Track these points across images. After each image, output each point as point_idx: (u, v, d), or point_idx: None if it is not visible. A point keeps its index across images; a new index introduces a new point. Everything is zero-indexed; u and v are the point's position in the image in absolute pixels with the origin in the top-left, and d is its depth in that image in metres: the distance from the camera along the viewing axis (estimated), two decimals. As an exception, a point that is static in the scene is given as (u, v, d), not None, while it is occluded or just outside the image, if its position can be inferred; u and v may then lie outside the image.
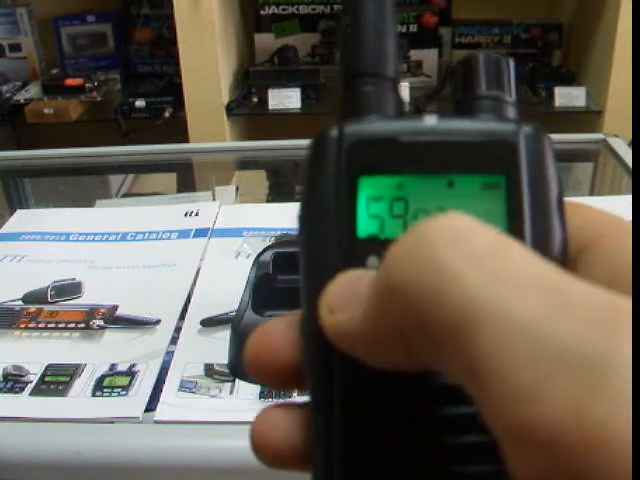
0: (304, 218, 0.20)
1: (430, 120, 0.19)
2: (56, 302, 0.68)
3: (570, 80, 1.58)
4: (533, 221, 0.18)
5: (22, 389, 0.55)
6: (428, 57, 1.68)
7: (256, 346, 0.20)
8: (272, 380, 0.20)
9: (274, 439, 0.20)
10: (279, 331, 0.20)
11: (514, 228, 0.18)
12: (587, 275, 0.18)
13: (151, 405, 0.53)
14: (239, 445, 0.46)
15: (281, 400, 0.21)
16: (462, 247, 0.15)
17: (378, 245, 0.19)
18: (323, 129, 0.20)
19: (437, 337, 0.15)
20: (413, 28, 1.68)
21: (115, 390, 0.55)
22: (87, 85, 1.62)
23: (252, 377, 0.20)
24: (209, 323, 0.63)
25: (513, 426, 0.14)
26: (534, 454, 0.14)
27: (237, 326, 0.58)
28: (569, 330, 0.14)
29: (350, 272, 0.18)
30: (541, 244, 0.18)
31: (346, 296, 0.18)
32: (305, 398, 0.20)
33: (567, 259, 0.19)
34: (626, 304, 0.14)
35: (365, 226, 0.19)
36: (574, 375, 0.14)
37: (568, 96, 1.51)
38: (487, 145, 0.19)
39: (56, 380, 0.56)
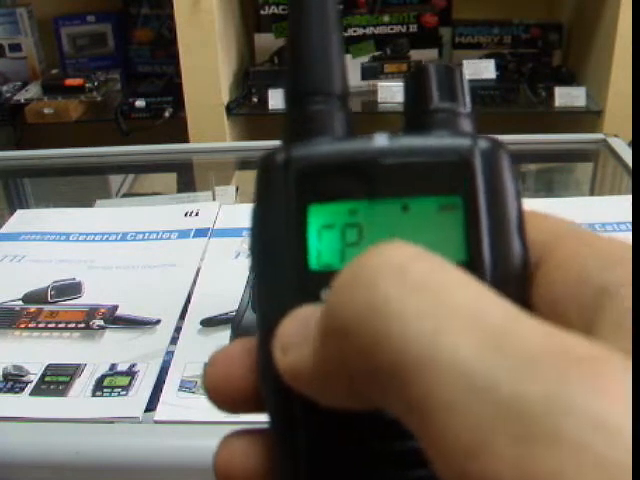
0: (255, 252, 0.19)
1: (380, 140, 0.18)
2: (56, 302, 0.68)
3: (570, 80, 1.58)
4: (492, 241, 0.18)
5: (22, 389, 0.55)
6: (428, 57, 1.68)
7: (212, 373, 0.19)
8: (227, 406, 0.20)
9: (235, 466, 0.19)
10: (235, 357, 0.19)
11: (472, 250, 0.18)
12: (543, 289, 0.18)
13: (151, 405, 0.53)
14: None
15: (242, 427, 0.21)
16: (401, 281, 0.14)
17: (332, 276, 0.18)
18: (269, 151, 0.19)
19: (381, 377, 0.14)
20: (413, 28, 1.68)
21: (115, 390, 0.55)
22: (87, 85, 1.62)
23: (210, 401, 0.20)
24: (209, 323, 0.63)
25: (456, 476, 0.13)
26: None
27: (237, 326, 0.58)
28: (508, 376, 0.13)
29: (303, 308, 0.17)
30: (500, 264, 0.18)
31: (298, 334, 0.17)
32: (264, 424, 0.19)
33: (528, 277, 0.18)
34: (580, 348, 0.13)
35: (317, 257, 0.18)
36: (514, 427, 0.13)
37: (568, 96, 1.51)
38: (441, 165, 0.18)
39: (56, 380, 0.56)
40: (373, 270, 0.15)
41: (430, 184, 0.18)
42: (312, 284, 0.18)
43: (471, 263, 0.18)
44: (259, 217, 0.19)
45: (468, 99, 0.20)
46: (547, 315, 0.17)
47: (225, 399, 0.19)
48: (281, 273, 0.18)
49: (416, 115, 0.20)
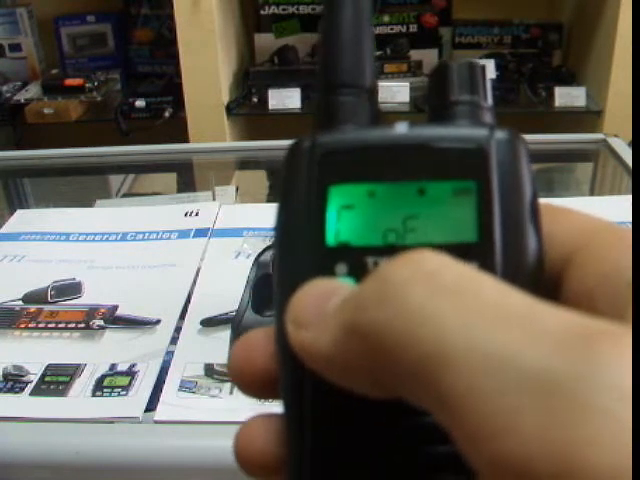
0: (278, 229, 0.20)
1: (401, 128, 0.19)
2: (56, 302, 0.68)
3: (570, 80, 1.58)
4: (504, 228, 0.18)
5: (22, 389, 0.55)
6: (428, 57, 1.68)
7: (236, 357, 0.20)
8: (252, 391, 0.20)
9: (254, 450, 0.20)
10: (258, 343, 0.20)
11: (484, 235, 0.18)
12: (574, 284, 0.18)
13: (151, 405, 0.53)
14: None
15: (263, 411, 0.21)
16: (432, 287, 0.15)
17: (348, 253, 0.19)
18: (297, 139, 0.20)
19: (407, 375, 0.15)
20: (413, 28, 1.68)
21: (115, 390, 0.55)
22: (87, 85, 1.61)
23: (235, 386, 0.20)
24: (209, 323, 0.63)
25: (487, 460, 0.14)
26: None
27: (237, 326, 0.58)
28: (538, 359, 0.14)
29: (316, 282, 0.18)
30: (512, 252, 0.18)
31: (312, 312, 0.17)
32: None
33: (543, 266, 0.19)
34: (598, 326, 0.14)
35: (335, 234, 0.19)
36: (543, 404, 0.13)
37: (568, 96, 1.51)
38: (457, 151, 0.19)
39: (56, 380, 0.56)
40: (404, 276, 0.16)
41: (446, 169, 0.19)
42: (328, 259, 0.19)
43: (482, 245, 0.18)
44: (283, 197, 0.20)
45: (489, 94, 0.21)
46: (578, 308, 0.17)
47: (247, 383, 0.20)
48: (299, 248, 0.19)
49: (438, 108, 0.21)
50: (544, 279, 0.19)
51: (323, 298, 0.17)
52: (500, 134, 0.19)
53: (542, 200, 0.19)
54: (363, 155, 0.19)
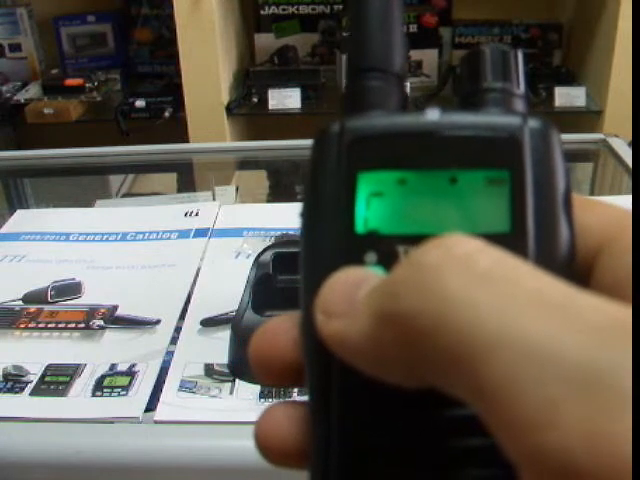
0: (305, 215, 0.20)
1: (432, 114, 0.19)
2: (56, 302, 0.68)
3: (570, 80, 1.58)
4: (537, 218, 0.18)
5: (22, 389, 0.55)
6: (428, 57, 1.68)
7: (258, 342, 0.20)
8: (272, 377, 0.20)
9: (277, 437, 0.19)
10: (282, 328, 0.20)
11: (516, 223, 0.18)
12: (605, 274, 0.18)
13: (151, 405, 0.53)
14: (239, 445, 0.46)
15: (286, 399, 0.20)
16: (467, 273, 0.15)
17: (377, 241, 0.18)
18: (325, 125, 0.20)
19: (443, 363, 0.15)
20: (413, 28, 1.68)
21: (115, 390, 0.55)
22: (87, 85, 1.62)
23: (254, 373, 0.20)
24: (209, 323, 0.63)
25: (526, 452, 0.13)
26: None
27: (237, 326, 0.58)
28: (579, 349, 0.13)
29: (346, 271, 0.18)
30: (545, 243, 0.18)
31: (343, 301, 0.17)
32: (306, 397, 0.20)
33: (574, 258, 0.18)
34: (630, 312, 0.14)
35: (364, 222, 0.19)
36: (586, 396, 0.13)
37: (568, 96, 1.51)
38: (490, 139, 0.18)
39: (56, 380, 0.56)
40: (438, 261, 0.15)
41: (478, 158, 0.18)
42: (357, 247, 0.19)
43: (515, 236, 0.18)
44: (311, 183, 0.20)
45: (522, 81, 0.20)
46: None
47: (263, 363, 0.20)
48: (327, 236, 0.19)
49: (470, 94, 0.20)
50: (575, 270, 0.18)
51: (353, 287, 0.17)
52: (533, 123, 0.19)
53: None
54: (393, 141, 0.19)
